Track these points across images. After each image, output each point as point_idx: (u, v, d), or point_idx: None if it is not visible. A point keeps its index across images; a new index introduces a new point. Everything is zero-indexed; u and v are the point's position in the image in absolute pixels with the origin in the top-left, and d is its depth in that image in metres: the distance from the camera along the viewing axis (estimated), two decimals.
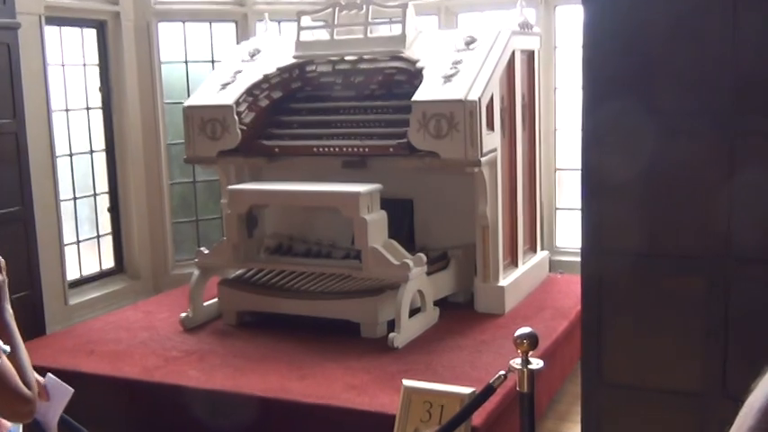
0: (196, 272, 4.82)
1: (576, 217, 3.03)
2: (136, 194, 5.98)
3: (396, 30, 5.12)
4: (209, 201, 6.30)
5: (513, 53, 4.89)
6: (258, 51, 5.41)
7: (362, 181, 4.64)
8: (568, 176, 5.92)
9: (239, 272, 4.93)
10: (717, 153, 2.65)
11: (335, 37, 5.11)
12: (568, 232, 5.92)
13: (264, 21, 5.72)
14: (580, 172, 2.90)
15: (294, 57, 5.17)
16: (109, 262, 5.97)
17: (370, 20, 5.05)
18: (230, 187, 4.84)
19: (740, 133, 2.62)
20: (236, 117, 4.95)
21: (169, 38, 6.10)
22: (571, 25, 5.76)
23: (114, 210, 5.97)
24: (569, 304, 4.85)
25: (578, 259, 2.95)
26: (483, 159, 4.44)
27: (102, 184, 5.90)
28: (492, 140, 4.59)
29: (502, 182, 4.78)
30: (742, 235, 2.62)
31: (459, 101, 4.39)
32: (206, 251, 4.84)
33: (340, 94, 5.12)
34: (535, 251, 5.48)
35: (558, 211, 5.99)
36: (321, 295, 4.59)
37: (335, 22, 5.13)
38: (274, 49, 5.39)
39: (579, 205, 2.91)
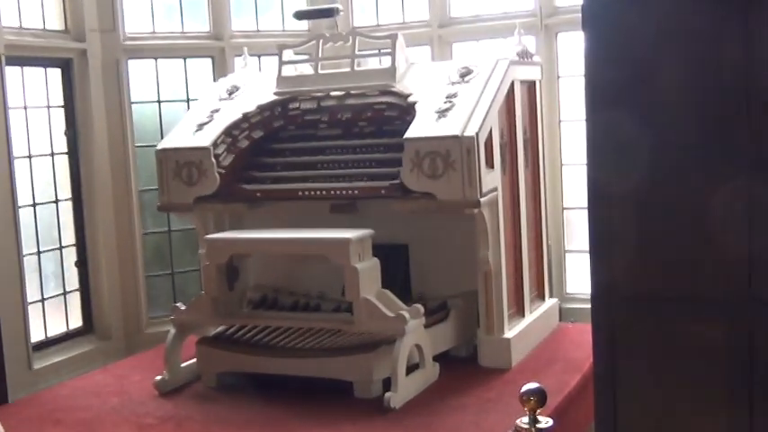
0: (172, 330, 4.82)
1: (588, 260, 3.06)
2: (106, 246, 6.00)
3: (385, 62, 5.19)
4: (185, 252, 6.31)
5: (513, 84, 4.96)
6: (237, 88, 5.47)
7: (353, 226, 4.67)
8: (577, 216, 5.95)
9: (220, 329, 4.93)
10: (734, 186, 2.68)
11: (320, 71, 5.19)
12: (579, 277, 5.93)
13: (243, 56, 5.81)
14: (587, 210, 2.93)
15: (276, 93, 5.23)
16: (77, 321, 5.96)
17: (357, 52, 5.13)
18: (208, 236, 4.86)
19: (760, 164, 2.66)
20: (213, 160, 4.99)
21: (140, 76, 6.17)
22: (574, 53, 5.85)
23: (82, 264, 5.98)
24: (582, 356, 4.85)
25: (590, 306, 2.97)
26: (483, 200, 4.48)
27: (69, 236, 5.92)
28: (492, 179, 4.63)
29: (504, 224, 4.81)
30: (765, 273, 2.63)
31: (456, 137, 4.44)
32: (183, 307, 4.84)
33: (326, 132, 5.18)
34: (543, 299, 5.49)
35: (567, 254, 6.02)
36: (310, 353, 4.58)
37: (320, 56, 5.20)
38: (254, 85, 5.46)
39: (588, 246, 2.94)
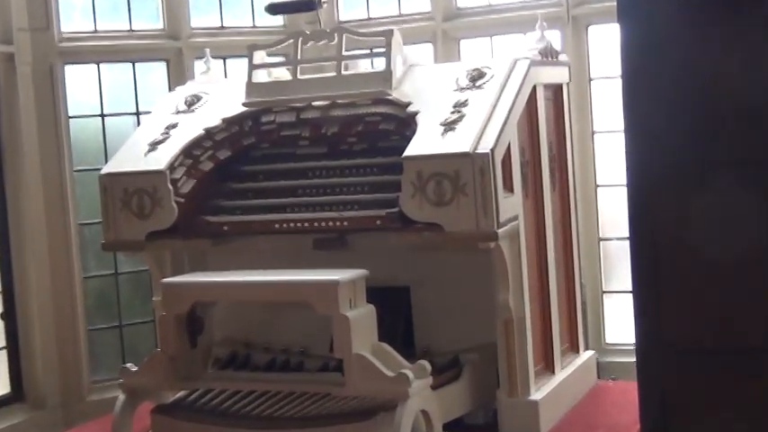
0: (121, 396, 4.81)
1: (630, 303, 3.07)
2: (38, 294, 6.00)
3: (379, 64, 5.23)
4: (136, 299, 6.32)
5: (535, 89, 5.00)
6: (198, 99, 5.51)
7: (342, 265, 4.67)
8: (617, 249, 5.97)
9: (180, 394, 4.92)
10: None
11: (299, 76, 5.23)
12: (621, 324, 5.94)
13: (205, 58, 5.85)
14: (629, 243, 2.96)
15: (245, 104, 5.27)
16: (3, 386, 5.95)
17: (344, 53, 5.17)
18: (165, 280, 4.86)
19: None
20: (170, 186, 5.02)
21: (79, 85, 6.21)
22: (609, 49, 5.90)
23: (9, 316, 5.98)
24: (627, 420, 4.85)
25: (634, 359, 2.98)
26: (501, 231, 4.50)
27: None
28: (512, 205, 4.66)
29: (528, 260, 4.83)
30: None
31: (466, 155, 4.47)
32: (134, 368, 4.83)
33: (308, 151, 5.21)
34: (577, 351, 5.50)
35: (605, 296, 6.04)
36: (291, 422, 4.57)
37: (299, 58, 5.25)
38: (219, 94, 5.50)
39: (631, 286, 2.96)
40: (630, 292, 3.00)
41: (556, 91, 5.35)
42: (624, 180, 3.08)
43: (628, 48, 2.95)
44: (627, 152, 2.94)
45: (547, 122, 5.15)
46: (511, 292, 4.70)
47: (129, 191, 5.08)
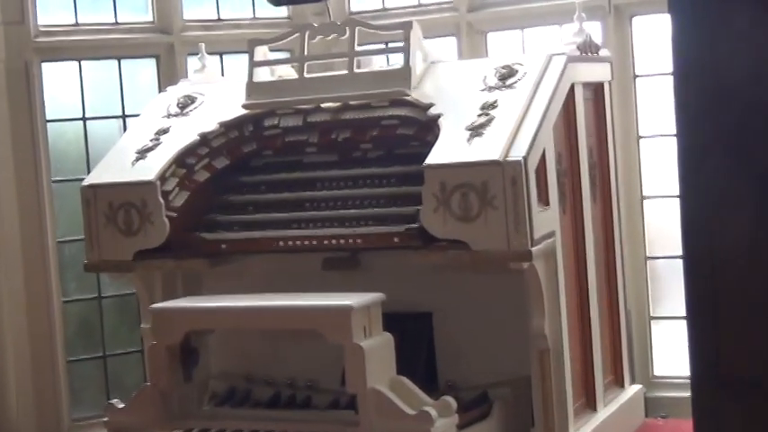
0: None
1: (682, 329, 3.06)
2: (12, 320, 6.01)
3: (396, 61, 5.23)
4: (121, 327, 6.32)
5: (573, 88, 5.00)
6: (192, 100, 5.53)
7: (355, 288, 4.68)
8: (668, 269, 5.95)
9: None
10: None
11: (306, 75, 5.24)
12: (672, 354, 5.91)
13: (199, 54, 5.87)
14: (683, 263, 2.94)
15: (245, 106, 5.28)
16: None
17: (356, 48, 5.18)
18: (155, 306, 4.87)
19: None
20: (161, 199, 5.03)
21: (58, 84, 6.23)
22: (656, 43, 5.89)
23: None
24: None
25: (688, 395, 2.96)
26: (535, 249, 4.50)
27: None
28: (547, 220, 4.66)
29: (566, 281, 4.82)
30: None
31: (496, 163, 4.47)
32: (120, 404, 4.83)
33: (316, 158, 5.22)
34: (622, 385, 5.48)
35: (653, 323, 6.01)
36: None
37: (305, 54, 5.26)
38: (215, 95, 5.52)
39: (684, 312, 2.94)
40: (683, 317, 2.98)
41: (596, 90, 5.35)
42: (675, 190, 3.07)
43: (679, 40, 2.94)
44: (679, 158, 2.93)
45: (586, 126, 5.15)
46: (546, 319, 4.69)
47: (115, 204, 5.10)
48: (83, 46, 6.25)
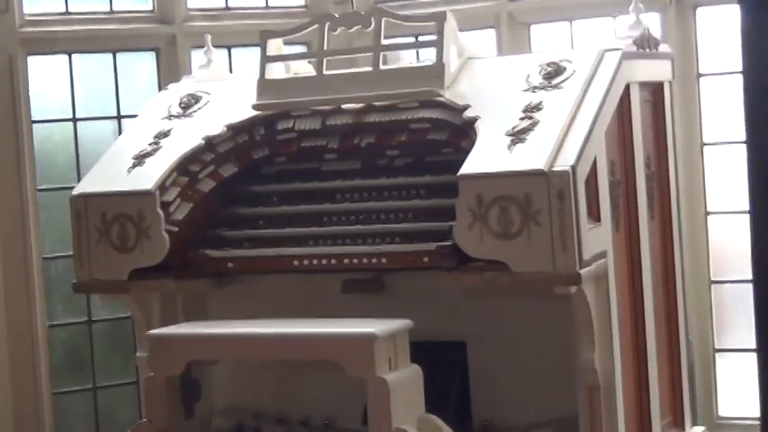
0: None
1: (751, 364, 3.05)
2: None
3: (427, 56, 5.23)
4: (114, 355, 6.34)
5: (628, 89, 5.00)
6: (195, 99, 5.55)
7: (379, 314, 4.69)
8: (734, 294, 5.92)
9: None
10: None
11: (326, 71, 5.25)
12: (738, 392, 5.89)
13: (205, 48, 5.88)
14: (752, 288, 2.94)
15: (256, 107, 5.30)
16: None
17: (383, 42, 5.19)
18: (152, 332, 4.88)
19: None
20: (160, 212, 5.04)
21: (46, 80, 6.25)
22: (724, 37, 5.87)
23: None
24: None
25: None
26: (584, 272, 4.49)
27: None
28: (598, 239, 4.65)
29: (619, 309, 4.81)
30: None
31: (540, 173, 4.47)
32: None
33: (336, 166, 5.23)
34: (683, 427, 5.44)
35: (717, 356, 5.99)
36: None
37: (325, 48, 5.27)
38: (222, 94, 5.54)
39: (754, 344, 2.94)
40: (752, 350, 2.98)
41: (655, 91, 5.34)
42: (744, 205, 3.06)
43: (750, 34, 2.94)
44: (749, 169, 2.93)
45: (643, 131, 5.14)
46: (597, 351, 4.67)
47: (108, 217, 5.11)
48: (74, 37, 6.28)
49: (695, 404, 5.74)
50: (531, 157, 4.54)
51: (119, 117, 6.32)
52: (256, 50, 5.38)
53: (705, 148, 5.94)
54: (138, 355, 5.30)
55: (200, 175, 5.23)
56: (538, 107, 4.76)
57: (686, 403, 5.51)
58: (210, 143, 5.28)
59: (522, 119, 4.72)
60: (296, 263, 4.93)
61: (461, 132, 4.89)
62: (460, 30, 5.23)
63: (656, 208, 5.30)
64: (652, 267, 5.18)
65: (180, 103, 5.54)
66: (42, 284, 6.15)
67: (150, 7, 6.42)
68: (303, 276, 5.06)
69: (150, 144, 5.33)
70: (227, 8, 6.58)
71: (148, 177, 5.13)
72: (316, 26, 5.30)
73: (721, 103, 5.90)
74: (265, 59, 5.33)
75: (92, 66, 6.34)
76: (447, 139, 4.97)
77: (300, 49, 5.65)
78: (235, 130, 5.30)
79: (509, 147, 4.61)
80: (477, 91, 5.00)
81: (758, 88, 2.93)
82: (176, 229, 5.07)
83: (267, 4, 6.64)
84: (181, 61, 6.31)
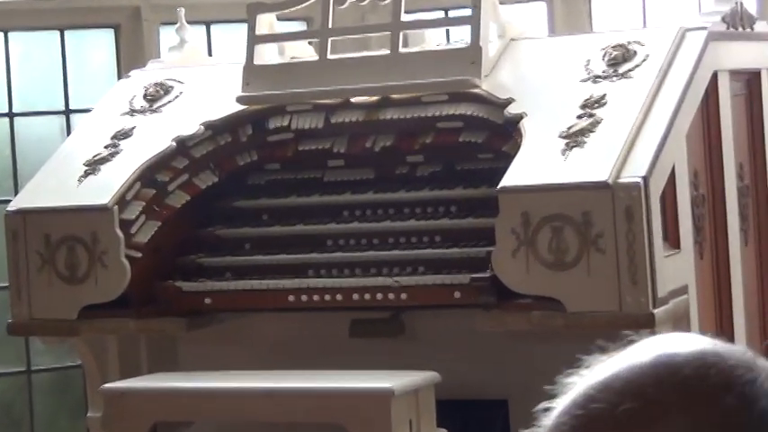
0: None
1: None
2: None
3: (460, 37, 5.22)
4: (59, 414, 6.34)
5: (716, 79, 4.99)
6: (165, 90, 5.54)
7: (397, 364, 4.69)
8: None
9: None
10: None
11: (330, 56, 5.25)
12: None
13: (178, 24, 5.86)
14: None
15: (242, 99, 5.29)
16: None
17: (403, 18, 5.18)
18: (108, 386, 4.87)
19: None
20: (119, 233, 5.04)
21: None
22: None
23: None
24: None
25: None
26: (659, 311, 4.48)
27: None
28: (677, 269, 4.65)
29: None
30: None
31: (603, 186, 4.47)
32: None
33: (343, 176, 5.24)
34: None
35: None
36: None
37: (329, 26, 5.26)
38: (199, 83, 5.54)
39: None
40: None
41: (750, 81, 5.33)
42: None
43: None
44: None
45: (735, 133, 5.13)
46: None
47: (54, 239, 5.11)
48: (10, 10, 6.28)
49: None
50: (591, 165, 4.54)
51: (67, 112, 6.31)
52: (242, 28, 5.39)
53: None
54: (89, 415, 5.28)
55: (170, 186, 5.22)
56: (600, 102, 4.75)
57: None
58: (184, 146, 5.27)
59: (580, 117, 4.72)
60: (292, 298, 4.93)
61: (502, 133, 4.89)
62: (502, 3, 5.23)
63: (752, 230, 5.27)
64: (745, 306, 5.16)
65: (145, 95, 5.53)
66: None
67: None
68: (301, 316, 5.07)
69: (107, 147, 5.32)
70: None
71: (105, 189, 5.12)
72: None
73: None
74: (254, 39, 5.31)
75: (33, 46, 6.34)
76: (484, 141, 4.98)
77: (298, 27, 5.64)
78: (215, 129, 5.30)
79: (563, 152, 4.61)
80: (523, 81, 5.01)
81: None
82: (140, 254, 5.07)
83: None
84: (146, 41, 6.30)
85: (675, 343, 1.46)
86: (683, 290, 4.67)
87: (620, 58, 4.90)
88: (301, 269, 5.01)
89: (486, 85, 4.99)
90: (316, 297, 4.91)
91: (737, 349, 1.44)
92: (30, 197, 5.28)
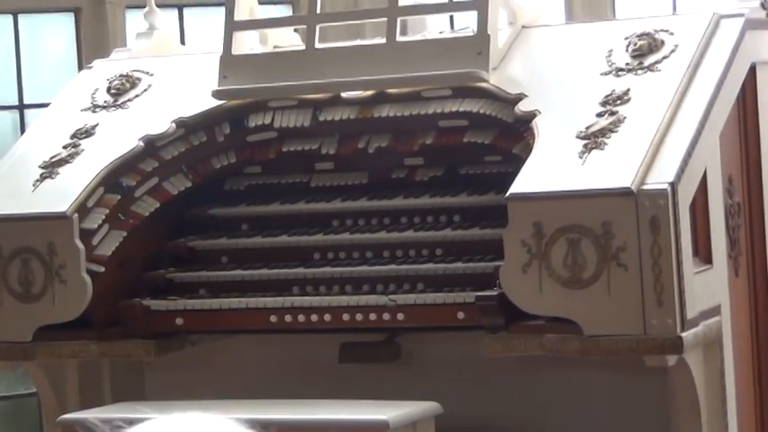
0: None
1: None
2: None
3: (465, 24, 5.24)
4: None
5: (754, 72, 5.02)
6: (132, 83, 5.55)
7: (393, 393, 4.71)
8: None
9: None
10: None
11: (319, 44, 5.27)
12: None
13: (146, 8, 5.87)
14: None
15: (219, 94, 5.31)
16: None
17: (401, 2, 5.19)
18: (67, 417, 4.88)
19: None
20: (79, 244, 5.06)
21: None
22: None
23: None
24: None
25: None
26: (688, 335, 4.49)
27: None
28: (709, 287, 4.67)
29: (738, 388, 4.82)
30: None
31: (626, 193, 4.49)
32: None
33: (333, 180, 5.27)
34: None
35: None
36: None
37: (318, 10, 5.28)
38: (170, 75, 5.57)
39: None
40: None
41: None
42: None
43: None
44: None
45: None
46: None
47: (6, 252, 5.13)
48: None
49: None
50: (612, 169, 4.56)
51: (21, 107, 6.34)
52: (219, 13, 5.40)
53: None
54: None
55: (137, 191, 5.24)
56: (623, 98, 4.78)
57: None
58: (153, 146, 5.29)
59: (600, 115, 4.74)
60: (274, 318, 4.95)
61: (513, 133, 4.92)
62: None
63: None
64: None
65: (109, 89, 5.56)
66: None
67: None
68: (285, 338, 5.09)
69: (66, 147, 5.34)
70: None
71: (63, 195, 5.14)
72: None
73: None
74: (232, 26, 5.34)
75: None
76: (492, 142, 5.00)
77: (283, 11, 5.66)
78: (188, 127, 5.32)
79: (581, 155, 4.63)
80: (537, 74, 5.04)
81: None
82: (102, 269, 5.09)
83: None
84: (111, 27, 6.32)
85: None
86: (716, 311, 4.69)
87: (645, 49, 4.93)
88: (285, 286, 5.03)
89: (494, 79, 5.01)
90: (301, 317, 4.92)
91: None
92: None
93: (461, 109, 5.05)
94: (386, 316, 4.84)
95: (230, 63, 5.31)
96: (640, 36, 4.97)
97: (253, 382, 5.08)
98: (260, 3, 5.43)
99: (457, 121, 5.07)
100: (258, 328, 5.03)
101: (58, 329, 5.10)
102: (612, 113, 4.73)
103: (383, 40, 5.20)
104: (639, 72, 4.86)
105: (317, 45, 5.25)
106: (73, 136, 5.39)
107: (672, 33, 4.94)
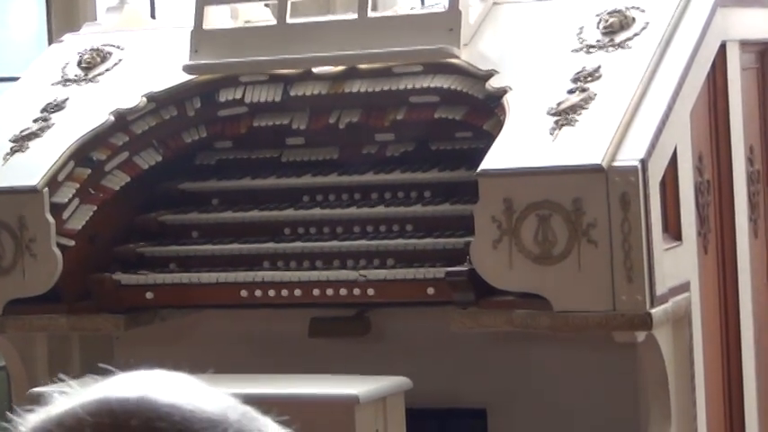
0: None
1: None
2: None
3: (435, 0, 5.23)
4: None
5: (724, 50, 5.03)
6: (103, 57, 5.53)
7: (363, 368, 4.72)
8: None
9: None
10: None
11: (290, 19, 5.26)
12: None
13: None
14: None
15: (189, 68, 5.31)
16: None
17: None
18: (36, 390, 4.88)
19: None
20: (49, 218, 5.05)
21: None
22: None
23: None
24: None
25: None
26: (657, 311, 4.51)
27: None
28: (678, 264, 4.68)
29: (707, 365, 4.83)
30: None
31: (596, 170, 4.50)
32: None
33: (303, 155, 5.27)
34: None
35: None
36: None
37: None
38: (140, 49, 5.56)
39: None
40: None
41: (763, 53, 5.36)
42: None
43: None
44: None
45: (745, 111, 5.16)
46: (674, 423, 4.69)
47: None
48: None
49: None
50: (582, 146, 4.58)
51: None
52: None
53: None
54: (14, 419, 5.29)
55: (107, 165, 5.24)
56: (594, 75, 4.78)
57: None
58: (123, 120, 5.28)
59: (571, 92, 4.75)
60: (245, 293, 4.96)
61: (484, 109, 4.93)
62: None
63: (762, 221, 5.31)
64: (755, 305, 5.20)
65: (80, 62, 5.54)
66: None
67: None
68: (254, 313, 5.10)
69: (36, 120, 5.33)
70: None
71: (33, 169, 5.14)
72: None
73: None
74: (203, 0, 5.35)
75: None
76: (463, 118, 5.01)
77: None
78: (158, 101, 5.32)
79: (552, 131, 4.64)
80: (508, 51, 5.04)
81: None
82: (72, 243, 5.09)
83: None
84: (81, 1, 6.31)
85: (157, 387, 1.45)
86: (685, 287, 4.70)
87: (616, 26, 4.93)
88: (256, 260, 5.04)
89: (465, 55, 5.02)
90: (271, 292, 4.94)
91: (217, 403, 1.48)
92: None
93: (432, 85, 5.05)
94: (356, 291, 4.85)
95: (201, 38, 5.30)
96: (611, 13, 4.97)
97: (223, 357, 5.06)
98: None
99: (428, 97, 5.07)
100: (228, 303, 5.03)
101: (28, 303, 5.10)
102: (583, 90, 4.73)
103: (354, 16, 5.20)
104: (610, 49, 4.87)
105: (289, 20, 5.25)
106: (43, 110, 5.37)
107: (643, 11, 4.95)
